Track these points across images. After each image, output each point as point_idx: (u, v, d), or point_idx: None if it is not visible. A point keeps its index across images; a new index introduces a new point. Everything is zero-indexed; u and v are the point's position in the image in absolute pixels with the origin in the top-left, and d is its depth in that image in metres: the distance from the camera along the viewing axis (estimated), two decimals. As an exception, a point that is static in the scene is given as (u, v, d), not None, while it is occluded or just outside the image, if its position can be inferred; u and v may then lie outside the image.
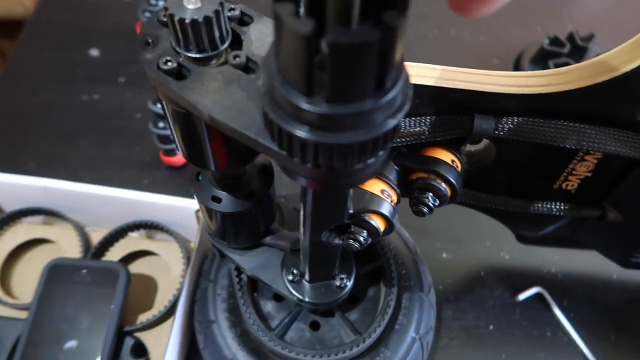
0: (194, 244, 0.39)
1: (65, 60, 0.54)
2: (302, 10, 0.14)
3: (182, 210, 0.37)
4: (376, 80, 0.14)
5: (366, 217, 0.25)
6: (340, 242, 0.25)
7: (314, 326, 0.34)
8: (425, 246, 0.42)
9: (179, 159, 0.46)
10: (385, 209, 0.25)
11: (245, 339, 0.33)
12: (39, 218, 0.41)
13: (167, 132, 0.43)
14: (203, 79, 0.19)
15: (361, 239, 0.25)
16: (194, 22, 0.18)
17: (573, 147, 0.24)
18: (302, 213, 0.24)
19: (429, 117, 0.25)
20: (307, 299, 0.31)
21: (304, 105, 0.15)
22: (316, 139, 0.15)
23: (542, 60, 0.50)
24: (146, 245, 0.40)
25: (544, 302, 0.40)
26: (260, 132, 0.18)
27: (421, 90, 0.24)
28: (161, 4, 0.52)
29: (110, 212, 0.39)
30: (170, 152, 0.45)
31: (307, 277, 0.31)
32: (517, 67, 0.52)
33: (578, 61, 0.49)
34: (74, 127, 0.49)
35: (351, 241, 0.25)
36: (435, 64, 0.59)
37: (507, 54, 0.55)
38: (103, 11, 0.58)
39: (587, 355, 0.38)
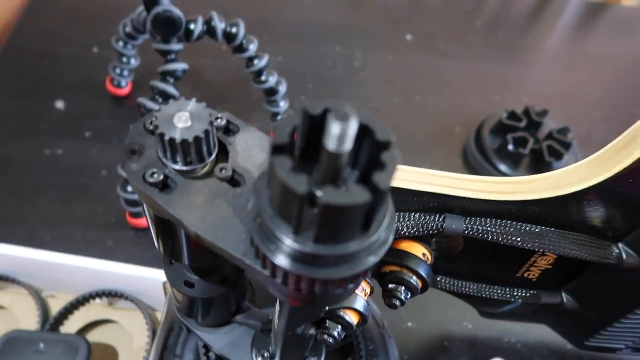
0: (159, 314, 0.38)
1: (29, 111, 0.53)
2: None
3: (149, 280, 0.37)
4: (362, 225, 0.15)
5: (340, 313, 0.25)
6: (315, 333, 0.26)
7: (282, 405, 0.34)
8: (392, 315, 0.43)
9: (145, 221, 0.45)
10: (359, 305, 0.25)
11: (211, 421, 0.32)
12: (-9, 283, 0.39)
13: (136, 196, 0.43)
14: (189, 192, 0.19)
15: (335, 333, 0.25)
16: (184, 141, 0.18)
17: (536, 249, 0.26)
18: (277, 309, 0.24)
19: (404, 214, 0.26)
20: (276, 382, 0.30)
21: (291, 243, 0.15)
22: (299, 271, 0.16)
23: (500, 132, 0.53)
24: (108, 314, 0.39)
25: (503, 373, 0.41)
26: (246, 252, 0.18)
27: (400, 190, 0.25)
28: (133, 62, 0.52)
29: (70, 279, 0.38)
30: (138, 215, 0.44)
31: (277, 359, 0.31)
32: (478, 136, 0.54)
33: (534, 135, 0.53)
34: (34, 182, 0.48)
35: (325, 336, 0.25)
36: (401, 128, 0.61)
37: (469, 121, 0.58)
38: (71, 62, 0.57)
39: None
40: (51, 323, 0.37)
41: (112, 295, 0.38)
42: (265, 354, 0.31)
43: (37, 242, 0.44)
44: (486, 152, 0.53)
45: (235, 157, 0.21)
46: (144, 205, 0.22)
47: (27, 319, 0.37)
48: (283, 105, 0.50)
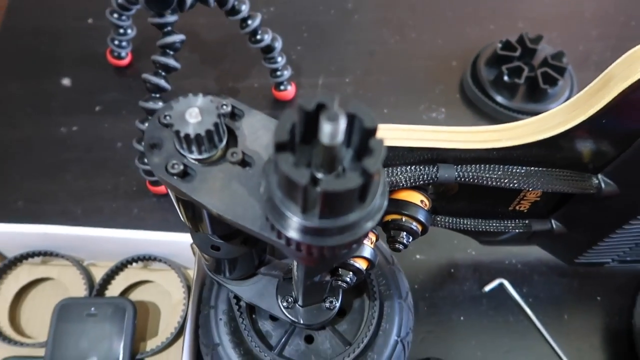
0: (191, 271, 0.42)
1: (37, 91, 0.55)
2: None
3: (178, 243, 0.40)
4: (359, 198, 0.18)
5: (351, 261, 0.28)
6: (330, 280, 0.29)
7: (309, 340, 0.38)
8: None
9: (165, 187, 0.48)
10: (367, 253, 0.29)
11: (248, 357, 0.37)
12: (37, 259, 0.43)
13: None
14: (207, 178, 0.22)
15: (347, 279, 0.29)
16: (197, 135, 0.21)
17: (523, 188, 0.28)
18: (295, 264, 0.28)
19: (401, 168, 0.29)
20: (301, 321, 0.35)
21: (299, 220, 0.18)
22: (309, 241, 0.19)
23: (496, 63, 0.54)
24: (145, 275, 0.43)
25: (506, 291, 0.45)
26: (263, 226, 0.21)
27: (394, 148, 0.28)
28: (130, 32, 0.53)
29: (108, 249, 0.42)
30: (157, 182, 0.48)
31: (300, 302, 0.35)
32: (474, 70, 0.55)
33: (528, 63, 0.53)
34: (57, 160, 0.51)
35: (339, 282, 0.29)
36: (398, 68, 0.62)
37: (465, 55, 0.58)
38: (68, 36, 0.58)
39: (544, 334, 0.43)
40: (97, 289, 0.41)
41: (146, 259, 0.42)
42: (289, 299, 0.35)
43: (69, 216, 0.48)
44: (483, 85, 0.54)
45: (244, 140, 0.23)
46: (168, 189, 0.24)
47: (75, 287, 0.42)
48: (281, 60, 0.51)
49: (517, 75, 0.52)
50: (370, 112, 0.17)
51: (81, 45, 0.57)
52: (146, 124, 0.44)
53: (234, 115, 0.24)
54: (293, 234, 0.19)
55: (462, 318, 0.44)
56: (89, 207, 0.48)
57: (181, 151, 0.22)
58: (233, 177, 0.22)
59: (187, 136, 0.21)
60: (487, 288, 0.45)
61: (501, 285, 0.45)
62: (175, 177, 0.22)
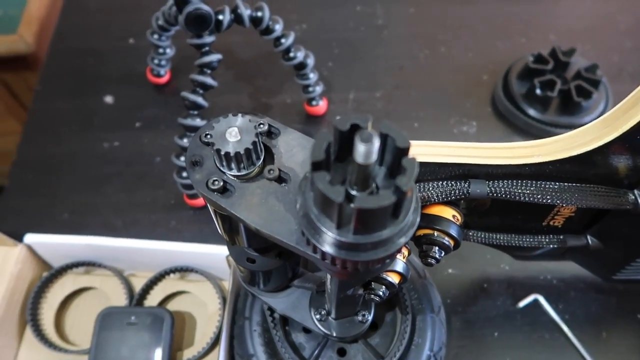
0: (226, 283, 0.44)
1: (82, 108, 0.57)
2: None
3: (213, 255, 0.42)
4: (392, 216, 0.19)
5: (383, 275, 0.29)
6: (363, 294, 0.30)
7: (341, 352, 0.39)
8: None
9: (202, 200, 0.50)
10: (400, 267, 0.29)
11: (282, 369, 0.38)
12: (81, 269, 0.45)
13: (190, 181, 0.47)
14: (246, 194, 0.23)
15: (380, 293, 0.29)
16: (237, 154, 0.22)
17: (556, 204, 0.28)
18: (328, 278, 0.29)
19: (433, 183, 0.29)
20: (334, 334, 0.35)
21: (334, 235, 0.19)
22: (343, 256, 0.19)
23: (527, 76, 0.54)
24: (182, 286, 0.44)
25: (541, 307, 0.45)
26: (299, 241, 0.22)
27: (426, 164, 0.28)
28: (169, 51, 0.55)
29: (146, 260, 0.44)
30: (194, 196, 0.49)
31: (333, 315, 0.35)
32: (505, 83, 0.55)
33: (561, 76, 0.53)
34: (100, 174, 0.53)
35: (372, 296, 0.29)
36: (428, 82, 0.63)
37: (495, 69, 0.58)
38: (111, 56, 0.61)
39: (582, 352, 0.43)
40: (136, 298, 0.43)
41: (183, 271, 0.44)
42: (322, 312, 0.36)
43: (110, 228, 0.50)
44: (514, 98, 0.54)
45: (280, 158, 0.24)
46: (208, 204, 0.26)
47: (116, 296, 0.43)
48: (313, 77, 0.52)
49: (550, 89, 0.52)
50: (402, 133, 0.18)
51: (123, 65, 0.60)
52: (184, 140, 0.46)
53: (270, 133, 0.25)
54: (328, 248, 0.20)
55: (495, 334, 0.44)
56: (128, 219, 0.50)
57: (221, 168, 0.23)
58: (270, 193, 0.23)
59: (227, 154, 0.22)
60: (522, 304, 0.45)
61: (536, 301, 0.45)
62: (215, 193, 0.23)
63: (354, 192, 0.18)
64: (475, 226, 0.34)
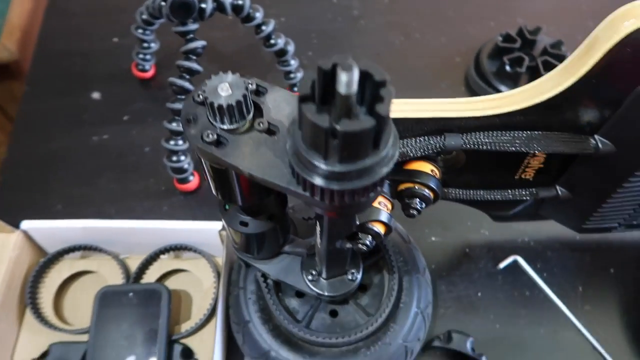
0: (220, 259, 0.45)
1: (70, 106, 0.59)
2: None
3: (206, 232, 0.43)
4: (373, 145, 0.21)
5: (369, 225, 0.31)
6: (351, 246, 0.32)
7: (333, 314, 0.41)
8: (417, 233, 0.49)
9: (191, 185, 0.51)
10: (384, 217, 0.31)
11: (278, 332, 0.40)
12: (77, 253, 0.46)
13: (180, 164, 0.49)
14: (239, 145, 0.25)
15: (367, 242, 0.31)
16: (228, 106, 0.24)
17: (525, 150, 0.31)
18: (318, 229, 0.31)
19: (411, 140, 0.31)
20: (326, 293, 0.37)
21: (322, 166, 0.21)
22: (331, 187, 0.21)
23: (497, 55, 0.57)
24: (177, 264, 0.46)
25: (521, 267, 0.47)
26: (290, 182, 0.24)
27: (403, 120, 0.30)
28: (153, 45, 0.57)
29: (140, 241, 0.45)
30: (184, 180, 0.51)
31: (324, 275, 0.37)
32: (477, 63, 0.58)
33: (529, 54, 0.56)
34: (91, 167, 0.54)
35: (360, 245, 0.31)
36: (405, 67, 0.65)
37: (467, 51, 0.61)
38: (96, 55, 0.63)
39: (560, 306, 0.45)
40: (133, 278, 0.44)
41: (177, 249, 0.45)
42: (313, 272, 0.37)
43: (104, 216, 0.51)
44: (486, 77, 0.57)
45: (269, 112, 0.26)
46: (202, 162, 0.27)
47: (113, 278, 0.45)
48: (294, 63, 0.54)
49: (519, 65, 0.55)
50: (380, 68, 0.20)
51: (108, 62, 0.62)
52: (173, 124, 0.48)
53: (258, 91, 0.27)
54: (318, 181, 0.21)
55: (479, 294, 0.46)
56: (122, 208, 0.52)
57: (214, 123, 0.25)
58: (261, 143, 0.25)
59: (220, 107, 0.24)
60: (502, 265, 0.47)
61: (515, 262, 0.47)
62: (209, 145, 0.25)
63: (338, 126, 0.20)
64: (454, 184, 0.37)
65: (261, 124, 0.25)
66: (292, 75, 0.55)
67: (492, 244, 0.48)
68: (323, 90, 0.21)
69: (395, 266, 0.41)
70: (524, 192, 0.36)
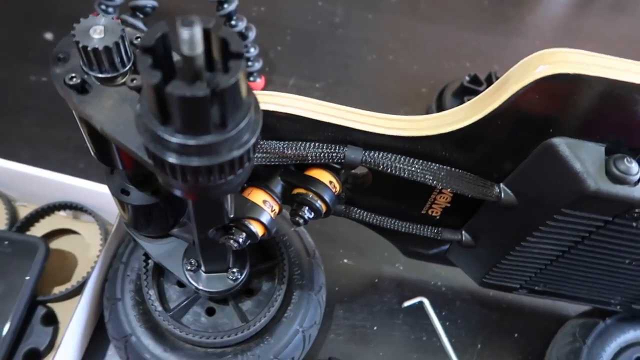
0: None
1: (18, 39, 0.56)
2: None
3: (106, 195, 0.41)
4: (219, 121, 0.19)
5: (246, 222, 0.29)
6: (225, 240, 0.30)
7: (210, 312, 0.38)
8: (331, 251, 0.47)
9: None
10: (264, 218, 0.29)
11: (145, 318, 0.37)
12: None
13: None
14: (102, 96, 0.23)
15: (240, 240, 0.29)
16: (95, 50, 0.22)
17: (422, 181, 0.29)
18: (191, 219, 0.28)
19: (311, 143, 0.29)
20: (201, 287, 0.35)
21: (159, 132, 0.19)
22: (169, 159, 0.19)
23: (461, 94, 0.55)
24: (70, 224, 0.43)
25: (425, 310, 0.45)
26: (140, 147, 0.22)
27: (303, 120, 0.28)
28: (118, 0, 0.54)
29: (39, 190, 0.42)
30: (106, 141, 0.48)
31: (203, 268, 0.35)
32: (440, 98, 0.57)
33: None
34: (19, 105, 0.52)
35: (231, 241, 0.29)
36: (370, 84, 0.63)
37: (436, 84, 0.60)
38: (62, -6, 0.60)
39: (452, 357, 0.43)
40: (17, 226, 0.41)
41: (74, 208, 0.43)
42: (193, 261, 0.35)
43: (16, 159, 0.48)
44: (445, 113, 0.55)
45: (148, 70, 0.24)
46: (75, 116, 0.25)
47: (-3, 221, 0.42)
48: (253, 51, 0.52)
49: (478, 108, 0.53)
50: (238, 38, 0.18)
51: (71, 6, 0.59)
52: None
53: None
54: (155, 148, 0.19)
55: (375, 328, 0.44)
56: (37, 154, 0.49)
57: (84, 68, 0.23)
58: (127, 100, 0.23)
59: (84, 49, 0.22)
60: (407, 303, 0.45)
61: (421, 303, 0.45)
62: (70, 89, 0.23)
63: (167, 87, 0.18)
64: (358, 204, 0.35)
65: (134, 81, 0.23)
66: (249, 63, 0.53)
67: (403, 280, 0.46)
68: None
69: (286, 277, 0.38)
70: (427, 230, 0.34)
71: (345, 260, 0.47)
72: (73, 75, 0.23)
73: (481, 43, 0.66)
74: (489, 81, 0.56)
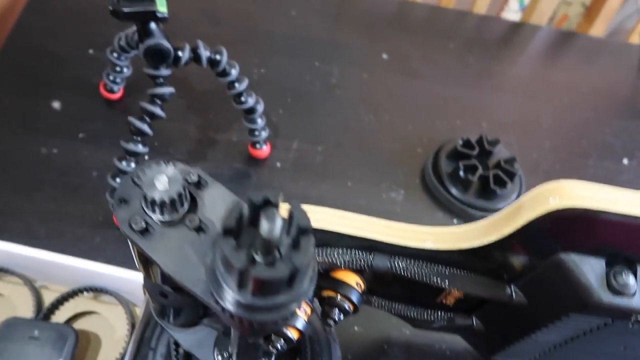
0: (139, 309, 0.44)
1: (27, 110, 0.57)
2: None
3: (131, 280, 0.42)
4: (288, 284, 0.21)
5: (284, 330, 0.31)
6: (263, 344, 0.32)
7: (238, 396, 0.40)
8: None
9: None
10: (300, 324, 0.31)
11: (177, 404, 0.39)
12: (-10, 273, 0.44)
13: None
14: (164, 238, 0.25)
15: (278, 345, 0.31)
16: (162, 202, 0.24)
17: (445, 287, 0.32)
18: (232, 330, 0.31)
19: (340, 250, 0.32)
20: (233, 377, 0.37)
21: (234, 295, 0.21)
22: (241, 314, 0.22)
23: (455, 157, 0.59)
24: (94, 306, 0.44)
25: (432, 374, 0.48)
26: (205, 291, 0.24)
27: (331, 232, 0.31)
28: (125, 71, 0.56)
29: (61, 274, 0.44)
30: (123, 217, 0.50)
31: (234, 359, 0.37)
32: (435, 159, 0.60)
33: (484, 162, 0.59)
34: (31, 179, 0.53)
35: (270, 347, 0.31)
36: (368, 145, 0.66)
37: (430, 144, 0.63)
38: (68, 62, 0.62)
39: (461, 421, 0.46)
40: (44, 312, 0.43)
41: (97, 291, 0.44)
42: (225, 354, 0.37)
43: (32, 236, 0.49)
44: (441, 176, 0.59)
45: (203, 208, 0.26)
46: (132, 251, 0.27)
47: (23, 307, 0.43)
48: (260, 122, 0.55)
49: (472, 173, 0.57)
50: (305, 214, 0.21)
51: (78, 73, 0.61)
52: (123, 163, 0.47)
53: (199, 184, 0.27)
54: (228, 305, 0.22)
55: (387, 393, 0.47)
56: (52, 230, 0.50)
57: (146, 210, 0.25)
58: (187, 241, 0.25)
59: (152, 200, 0.24)
60: (415, 368, 0.48)
61: (428, 367, 0.48)
62: (135, 233, 0.25)
63: (257, 258, 0.21)
64: (378, 293, 0.38)
65: (192, 221, 0.26)
66: (256, 133, 0.56)
67: (410, 345, 0.49)
68: (252, 215, 0.21)
69: (309, 357, 0.41)
70: (441, 315, 0.37)
71: (356, 328, 0.50)
72: (137, 219, 0.25)
73: (469, 99, 0.70)
74: (481, 144, 0.59)
